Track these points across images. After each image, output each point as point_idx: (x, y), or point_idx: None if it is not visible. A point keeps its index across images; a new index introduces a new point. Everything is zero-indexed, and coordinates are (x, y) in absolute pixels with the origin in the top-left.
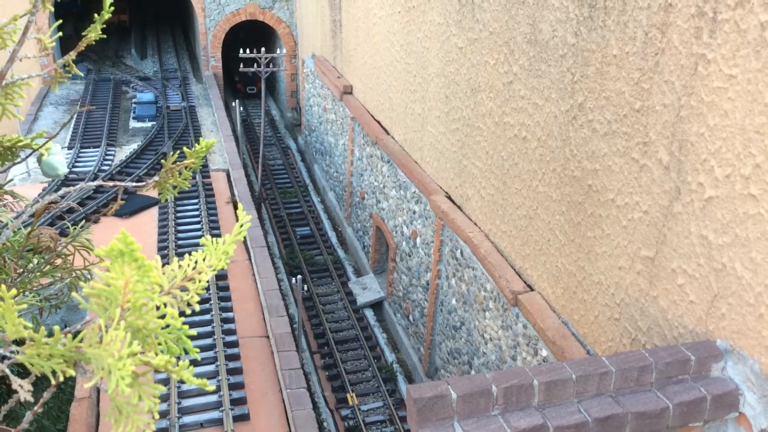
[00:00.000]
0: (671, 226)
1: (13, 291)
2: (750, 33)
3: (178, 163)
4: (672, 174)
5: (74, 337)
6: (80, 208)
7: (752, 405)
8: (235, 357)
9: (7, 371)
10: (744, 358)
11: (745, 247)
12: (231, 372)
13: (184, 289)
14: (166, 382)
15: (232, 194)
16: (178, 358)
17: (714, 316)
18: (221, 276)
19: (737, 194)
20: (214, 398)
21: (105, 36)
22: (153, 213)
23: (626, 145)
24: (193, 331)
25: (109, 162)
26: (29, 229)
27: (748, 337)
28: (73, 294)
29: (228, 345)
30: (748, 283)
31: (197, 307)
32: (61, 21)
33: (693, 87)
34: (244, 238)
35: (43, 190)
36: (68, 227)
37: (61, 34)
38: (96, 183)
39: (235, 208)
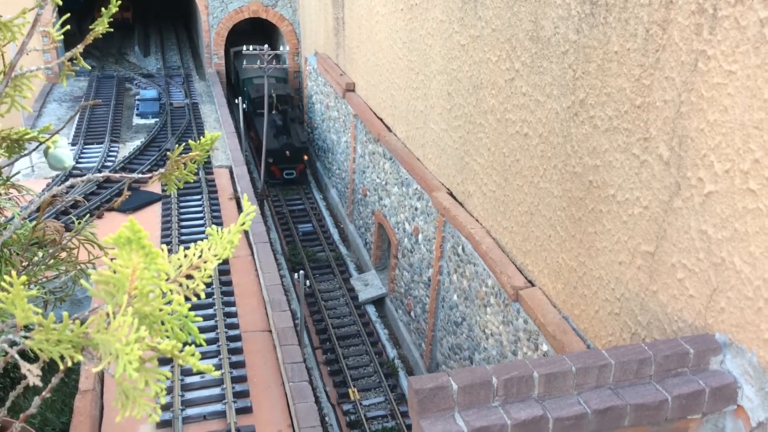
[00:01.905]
0: (671, 221)
1: (23, 278)
2: (749, 29)
3: (183, 155)
4: (672, 169)
5: (82, 323)
6: (86, 201)
7: (750, 398)
8: (238, 351)
9: (17, 356)
10: (742, 351)
11: (744, 242)
12: (234, 365)
13: (189, 277)
14: (168, 377)
15: (235, 190)
16: (184, 345)
17: (713, 310)
18: (224, 271)
19: (736, 189)
20: (217, 391)
21: (111, 30)
22: (156, 209)
23: (627, 141)
24: (199, 318)
25: (113, 158)
26: (35, 222)
27: (746, 330)
28: (81, 281)
29: (231, 339)
30: (746, 277)
31: (203, 295)
32: (69, 15)
33: (693, 83)
34: (247, 234)
35: (47, 185)
36: (73, 222)
37: (68, 27)
38: (103, 175)
39: (238, 204)
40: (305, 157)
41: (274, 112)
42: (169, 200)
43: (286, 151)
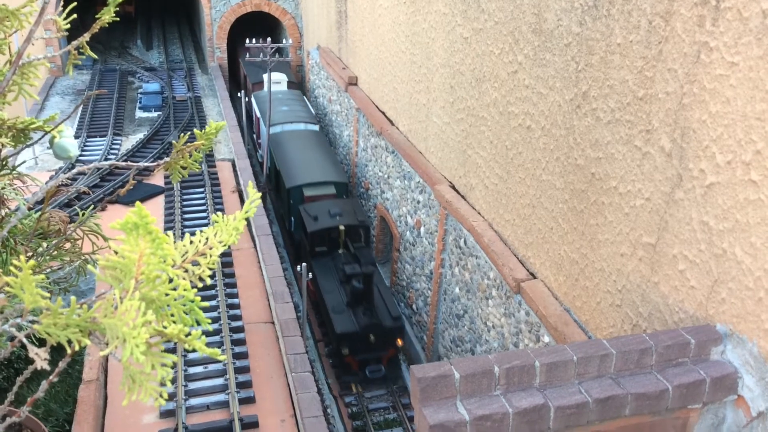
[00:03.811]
0: (673, 213)
1: (32, 262)
2: (752, 21)
3: (188, 144)
4: (674, 161)
5: (89, 308)
6: (90, 192)
7: (750, 388)
8: (241, 342)
9: (25, 340)
10: (743, 341)
11: (745, 233)
12: (237, 356)
13: (195, 263)
14: (172, 366)
15: (238, 183)
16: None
17: (714, 300)
18: (227, 263)
19: (738, 180)
20: (220, 381)
21: (116, 19)
22: (159, 201)
23: (629, 133)
24: (206, 303)
25: (116, 151)
26: (40, 212)
27: (747, 321)
28: (90, 266)
29: (234, 330)
30: (747, 268)
31: (208, 281)
32: (75, 3)
33: (695, 75)
34: (250, 227)
35: (50, 178)
36: (77, 213)
37: (75, 16)
38: (110, 163)
39: (241, 197)
40: (399, 342)
41: (340, 251)
42: (171, 193)
43: (370, 335)
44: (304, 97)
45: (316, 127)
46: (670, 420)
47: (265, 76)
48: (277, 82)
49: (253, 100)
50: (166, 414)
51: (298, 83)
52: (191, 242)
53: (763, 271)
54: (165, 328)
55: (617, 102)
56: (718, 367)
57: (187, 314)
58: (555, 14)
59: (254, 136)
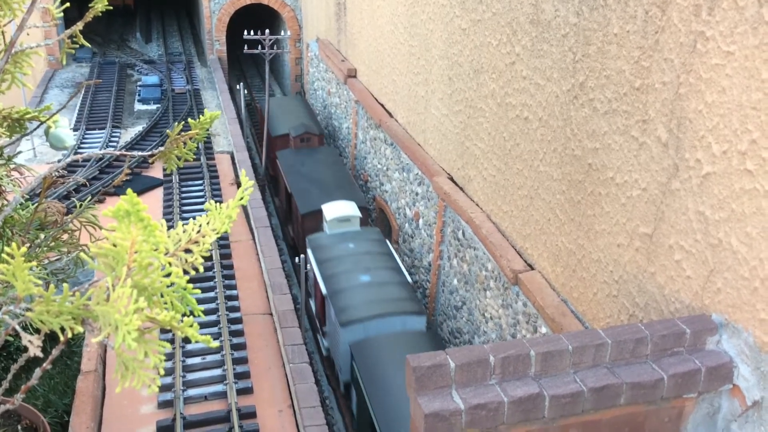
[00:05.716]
0: (669, 203)
1: (24, 249)
2: (748, 10)
3: (183, 133)
4: (670, 151)
5: (82, 296)
6: (88, 184)
7: (746, 377)
8: (239, 333)
9: (18, 328)
10: (738, 331)
11: (740, 222)
12: (235, 347)
13: (188, 251)
14: (170, 356)
15: (236, 176)
16: (183, 317)
17: (710, 290)
18: (225, 255)
19: (734, 170)
20: (218, 372)
21: (110, 8)
22: (158, 194)
23: (626, 123)
24: (198, 290)
25: (115, 143)
26: (37, 203)
27: (742, 310)
28: (82, 255)
29: (232, 321)
30: (743, 258)
31: (201, 269)
32: None
33: (692, 64)
34: (249, 219)
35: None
36: (75, 205)
37: (68, 4)
38: (104, 151)
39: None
40: None
41: None
42: (170, 185)
43: None
44: (389, 245)
45: (423, 322)
46: (665, 409)
47: (326, 208)
48: (345, 218)
49: (310, 254)
50: (164, 404)
51: (369, 219)
52: (184, 230)
53: (758, 261)
54: (158, 315)
55: (614, 92)
56: (714, 357)
57: (180, 302)
58: (552, 5)
59: (316, 316)
